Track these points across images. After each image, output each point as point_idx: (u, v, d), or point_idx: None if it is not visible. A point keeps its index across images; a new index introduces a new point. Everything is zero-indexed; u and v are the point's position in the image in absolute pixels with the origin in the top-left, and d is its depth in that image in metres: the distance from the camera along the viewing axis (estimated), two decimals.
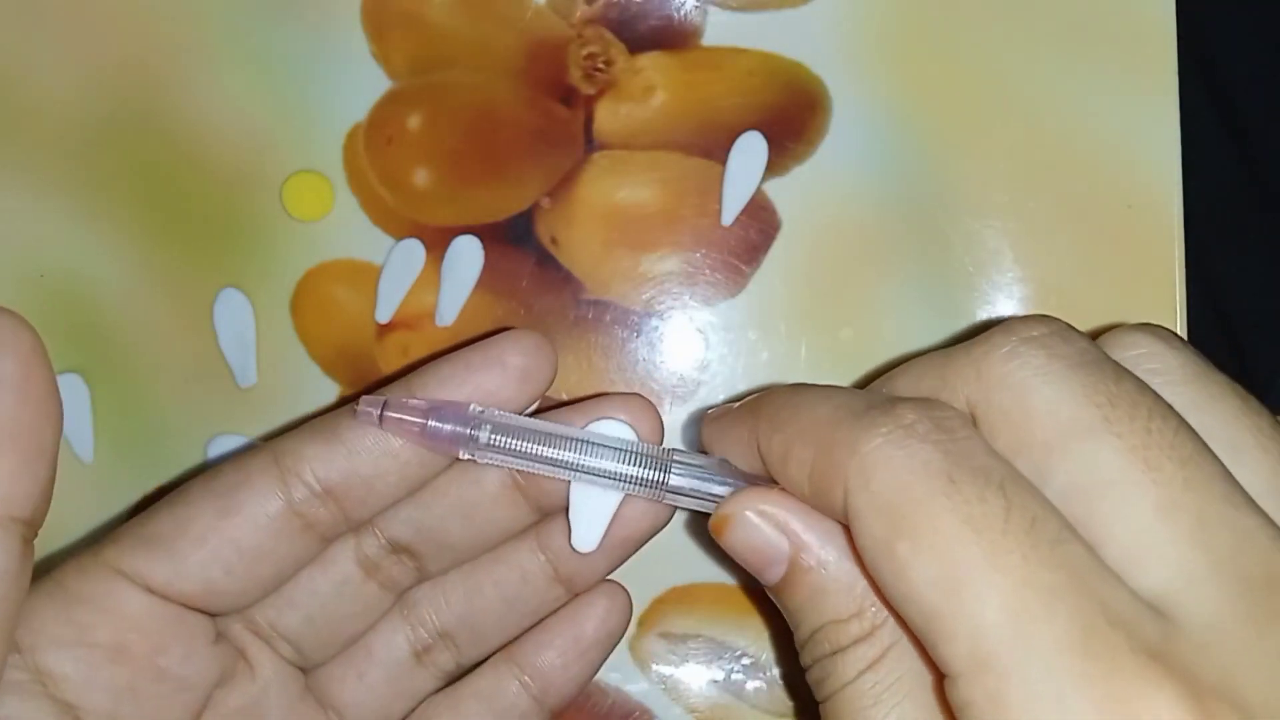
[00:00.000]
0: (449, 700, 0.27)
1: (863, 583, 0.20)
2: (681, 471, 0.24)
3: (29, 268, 0.30)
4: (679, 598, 0.30)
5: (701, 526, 0.30)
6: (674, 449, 0.24)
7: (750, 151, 0.30)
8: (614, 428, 0.25)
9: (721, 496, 0.23)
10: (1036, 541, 0.16)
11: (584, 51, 0.30)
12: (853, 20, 0.30)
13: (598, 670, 0.27)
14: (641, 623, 0.30)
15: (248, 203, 0.30)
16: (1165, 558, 0.16)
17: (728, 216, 0.30)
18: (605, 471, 0.24)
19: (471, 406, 0.24)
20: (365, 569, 0.25)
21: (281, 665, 0.25)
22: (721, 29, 0.30)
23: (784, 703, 0.30)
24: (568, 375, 0.30)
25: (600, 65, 0.30)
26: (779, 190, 0.30)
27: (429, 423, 0.23)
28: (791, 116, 0.30)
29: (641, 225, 0.30)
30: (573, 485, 0.25)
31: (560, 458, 0.24)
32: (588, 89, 0.30)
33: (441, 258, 0.30)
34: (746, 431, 0.22)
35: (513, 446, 0.23)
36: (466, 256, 0.30)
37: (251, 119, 0.30)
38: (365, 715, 0.26)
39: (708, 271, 0.30)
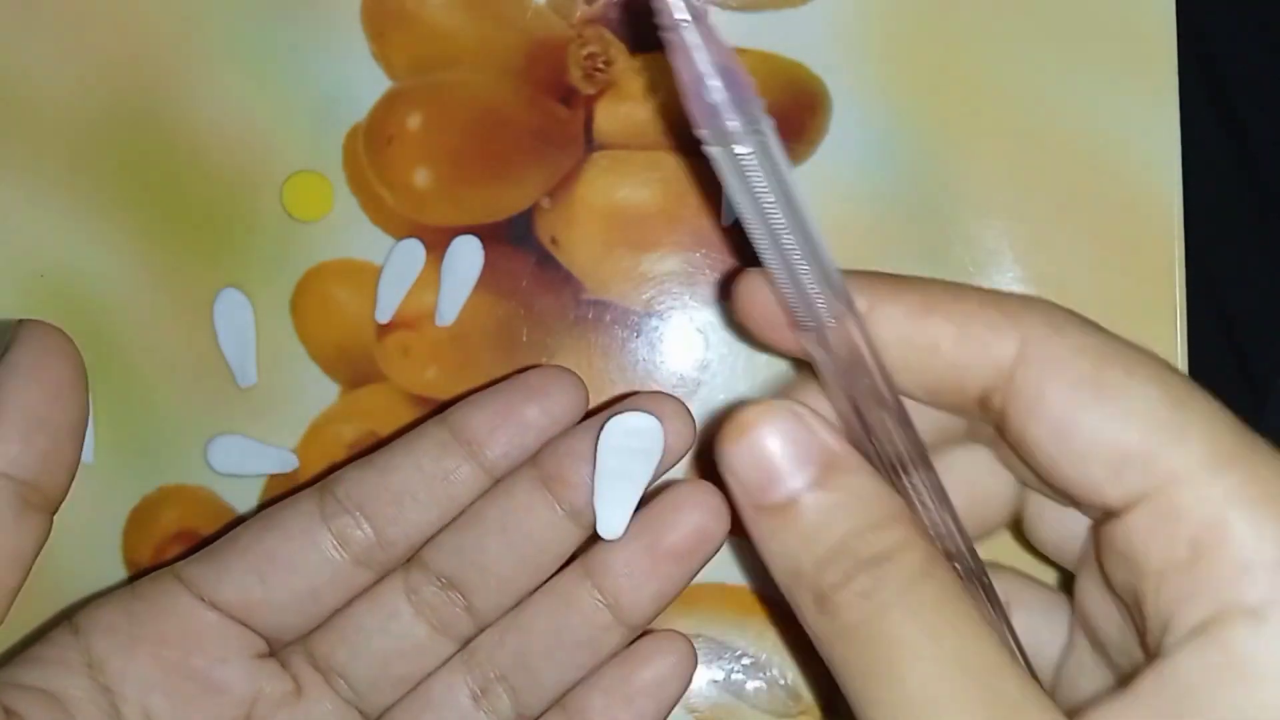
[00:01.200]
0: None
1: (897, 497, 0.20)
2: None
3: (29, 268, 0.30)
4: (679, 598, 0.30)
5: None
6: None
7: None
8: (640, 420, 0.25)
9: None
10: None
11: (584, 51, 0.30)
12: (853, 20, 0.30)
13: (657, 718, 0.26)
14: None
15: (248, 203, 0.30)
16: (1213, 499, 0.17)
17: (727, 217, 0.30)
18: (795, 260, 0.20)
19: (759, 102, 0.20)
20: (415, 606, 0.26)
21: (338, 703, 0.26)
22: (721, 29, 0.30)
23: (784, 703, 0.30)
24: None
25: (600, 65, 0.30)
26: None
27: (715, 87, 0.20)
28: (791, 116, 0.30)
29: (641, 225, 0.30)
30: (598, 474, 0.25)
31: (778, 226, 0.20)
32: (588, 89, 0.30)
33: (441, 258, 0.30)
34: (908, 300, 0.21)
35: (760, 180, 0.20)
36: (466, 256, 0.30)
37: (251, 119, 0.30)
38: None
39: (708, 271, 0.30)
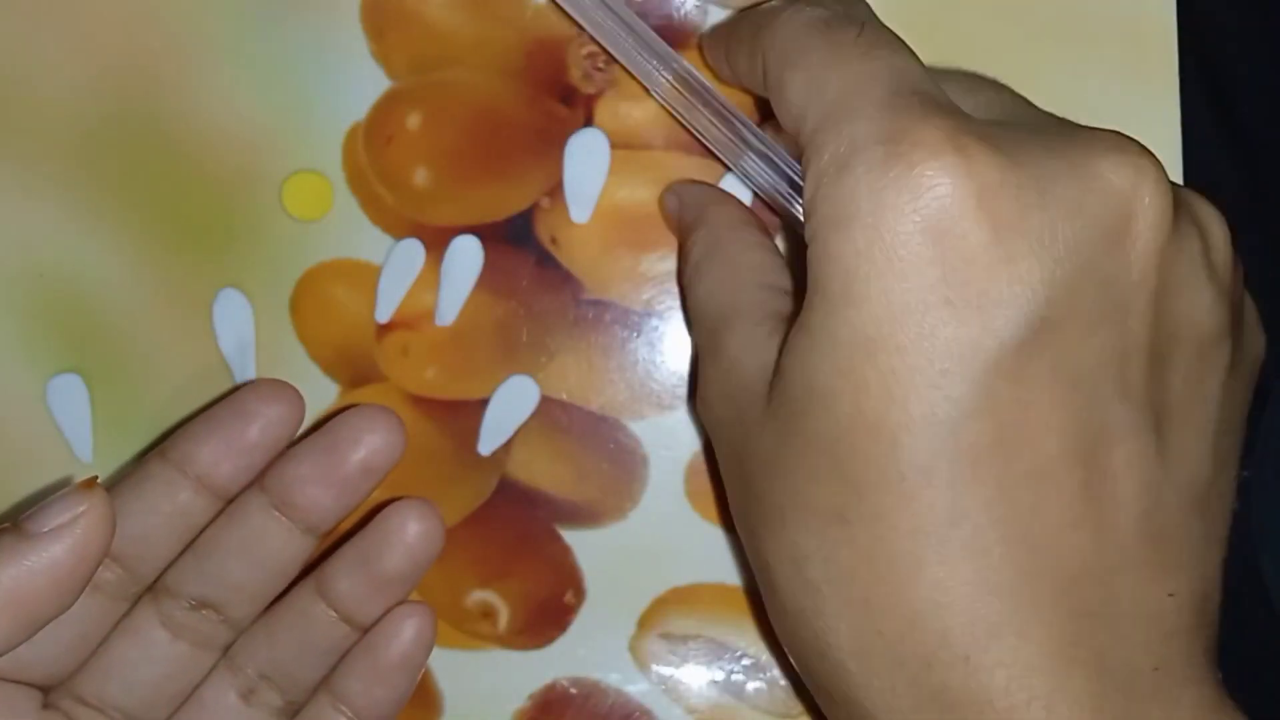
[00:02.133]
0: None
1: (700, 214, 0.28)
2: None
3: (28, 267, 0.30)
4: (679, 598, 0.30)
5: (702, 528, 0.30)
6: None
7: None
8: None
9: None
10: (873, 51, 0.22)
11: (584, 51, 0.30)
12: None
13: (408, 690, 0.28)
14: (642, 623, 0.30)
15: (247, 203, 0.30)
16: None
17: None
18: (622, 36, 0.26)
19: None
20: (171, 630, 0.27)
21: None
22: None
23: (784, 703, 0.30)
24: (567, 375, 0.30)
25: (600, 64, 0.30)
26: None
27: None
28: None
29: (641, 225, 0.30)
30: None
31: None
32: (588, 88, 0.30)
33: (441, 257, 0.30)
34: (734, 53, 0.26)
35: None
36: (466, 256, 0.30)
37: (251, 119, 0.30)
38: None
39: None
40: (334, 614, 0.27)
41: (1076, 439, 0.20)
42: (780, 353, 0.23)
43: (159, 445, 0.27)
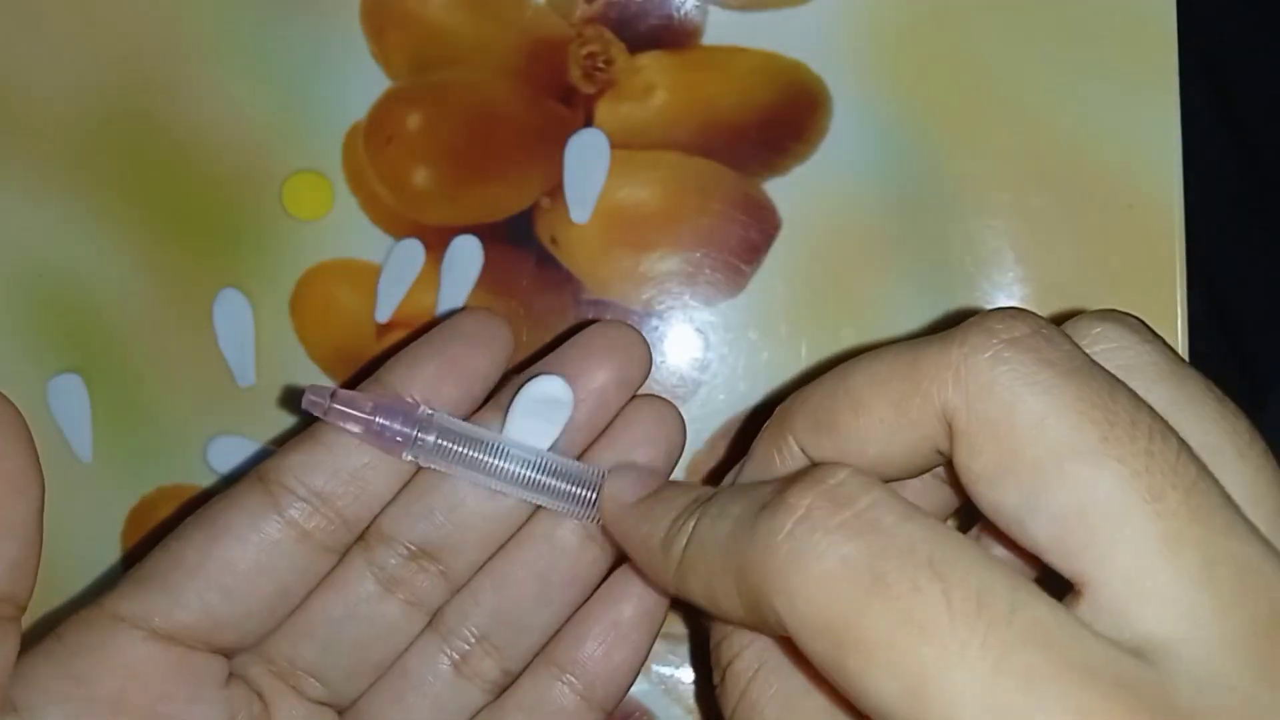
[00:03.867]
0: (494, 716, 0.25)
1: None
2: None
3: (28, 267, 0.30)
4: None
5: None
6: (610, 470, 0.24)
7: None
8: (549, 386, 0.24)
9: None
10: (992, 621, 0.15)
11: (584, 51, 0.30)
12: (853, 20, 0.30)
13: (645, 655, 0.25)
14: None
15: (248, 203, 0.30)
16: (1166, 596, 0.15)
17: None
18: (546, 488, 0.23)
19: (421, 409, 0.23)
20: (384, 584, 0.24)
21: (310, 707, 0.24)
22: (721, 29, 0.30)
23: None
24: None
25: (600, 64, 0.30)
26: (779, 190, 0.30)
27: (376, 420, 0.23)
28: (791, 116, 0.30)
29: (641, 225, 0.30)
30: (505, 429, 0.24)
31: (505, 471, 0.23)
32: (588, 88, 0.30)
33: (441, 257, 0.30)
34: (661, 578, 0.21)
35: (459, 454, 0.23)
36: (466, 256, 0.30)
37: (251, 119, 0.30)
38: None
39: (708, 271, 0.30)
40: (582, 530, 0.24)
41: None
42: None
43: (373, 376, 0.24)
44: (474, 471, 0.23)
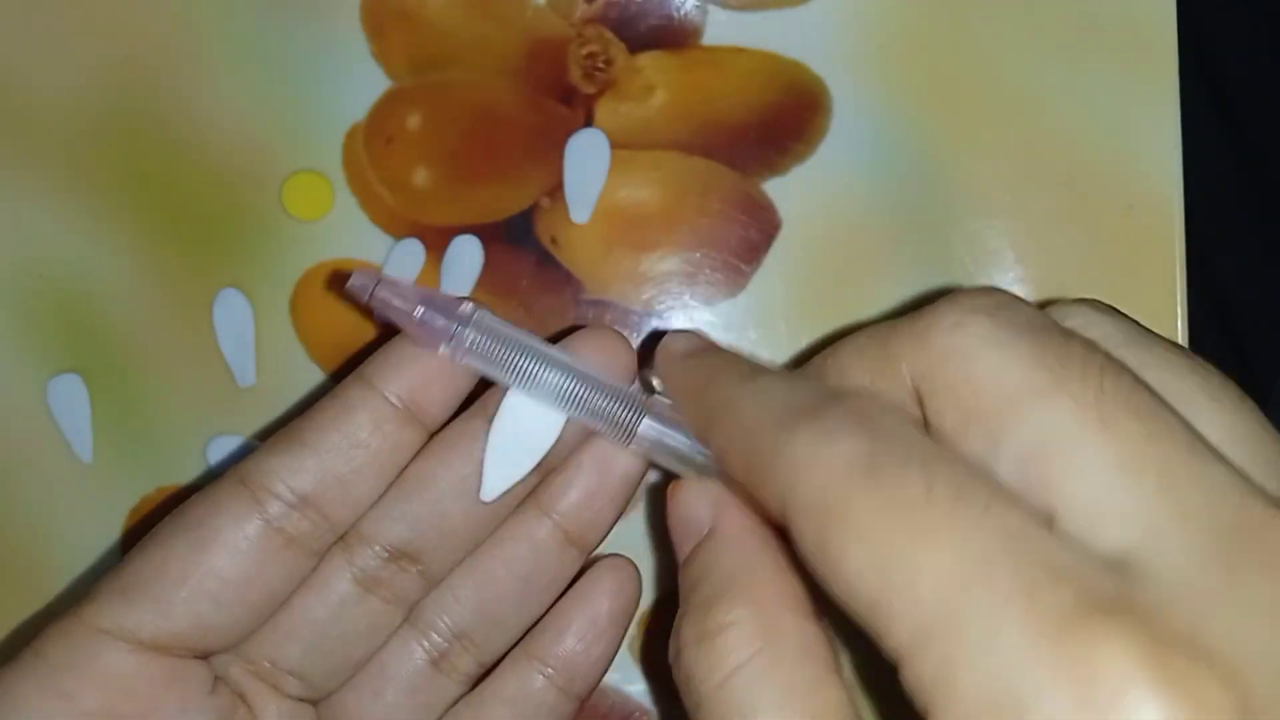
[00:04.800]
0: (472, 706, 0.25)
1: (757, 580, 0.20)
2: (655, 422, 0.23)
3: (28, 267, 0.30)
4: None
5: None
6: (657, 397, 0.24)
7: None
8: (533, 419, 0.24)
9: (683, 455, 0.23)
10: (964, 512, 0.16)
11: (584, 51, 0.30)
12: (853, 20, 0.30)
13: (618, 648, 0.26)
14: (642, 624, 0.30)
15: (248, 203, 0.30)
16: (1128, 513, 0.16)
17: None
18: (579, 399, 0.23)
19: (465, 305, 0.23)
20: (363, 585, 0.24)
21: (289, 704, 0.24)
22: (721, 29, 0.30)
23: None
24: None
25: (600, 65, 0.30)
26: (779, 190, 0.30)
27: (420, 310, 0.22)
28: (791, 116, 0.30)
29: (641, 225, 0.30)
30: (492, 432, 0.24)
31: (540, 377, 0.23)
32: (588, 88, 0.30)
33: (441, 258, 0.30)
34: (691, 421, 0.22)
35: (496, 355, 0.23)
36: (466, 256, 0.30)
37: (251, 119, 0.30)
38: None
39: (708, 271, 0.30)
40: (562, 533, 0.25)
41: None
42: None
43: (355, 372, 0.24)
44: (508, 374, 0.23)
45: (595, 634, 0.25)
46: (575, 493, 0.25)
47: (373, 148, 0.30)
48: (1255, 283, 0.34)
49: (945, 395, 0.18)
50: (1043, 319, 0.18)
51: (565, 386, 0.23)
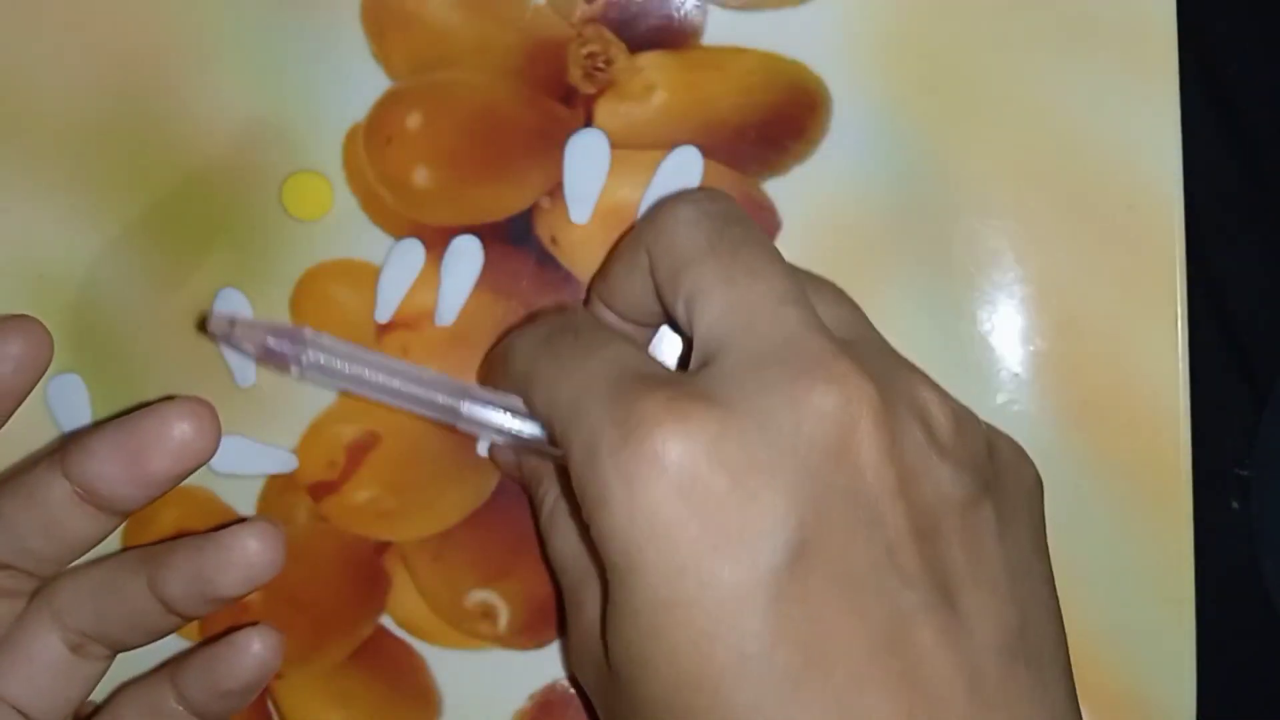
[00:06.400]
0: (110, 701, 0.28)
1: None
2: (478, 403, 0.26)
3: (28, 268, 0.30)
4: None
5: None
6: (474, 386, 0.27)
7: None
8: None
9: (508, 430, 0.26)
10: (591, 352, 0.24)
11: (584, 51, 0.30)
12: (853, 20, 0.30)
13: (245, 703, 0.28)
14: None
15: (247, 202, 0.30)
16: (719, 335, 0.23)
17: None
18: (407, 395, 0.26)
19: (304, 330, 0.26)
20: None
21: None
22: (721, 29, 0.30)
23: None
24: None
25: (600, 65, 0.30)
26: (779, 190, 0.30)
27: (268, 339, 0.26)
28: (791, 116, 0.30)
29: None
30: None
31: (372, 381, 0.26)
32: (588, 88, 0.30)
33: (441, 257, 0.30)
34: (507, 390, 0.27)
35: (335, 368, 0.26)
36: (466, 256, 0.30)
37: (251, 119, 0.30)
38: (44, 707, 0.27)
39: None
40: (181, 708, 0.28)
41: (879, 635, 0.21)
42: (603, 628, 0.23)
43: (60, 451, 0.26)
44: (353, 384, 0.26)
45: (217, 695, 0.27)
46: (199, 685, 0.28)
47: (373, 148, 0.30)
48: (1255, 283, 0.34)
49: (659, 258, 0.25)
50: (725, 209, 0.25)
51: (393, 386, 0.26)
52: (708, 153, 0.30)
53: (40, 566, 0.26)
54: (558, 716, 0.30)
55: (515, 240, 0.30)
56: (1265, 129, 0.31)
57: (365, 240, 0.30)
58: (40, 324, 0.25)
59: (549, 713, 0.30)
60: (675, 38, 0.30)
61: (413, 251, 0.30)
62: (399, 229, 0.30)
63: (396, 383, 0.26)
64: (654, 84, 0.30)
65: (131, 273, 0.30)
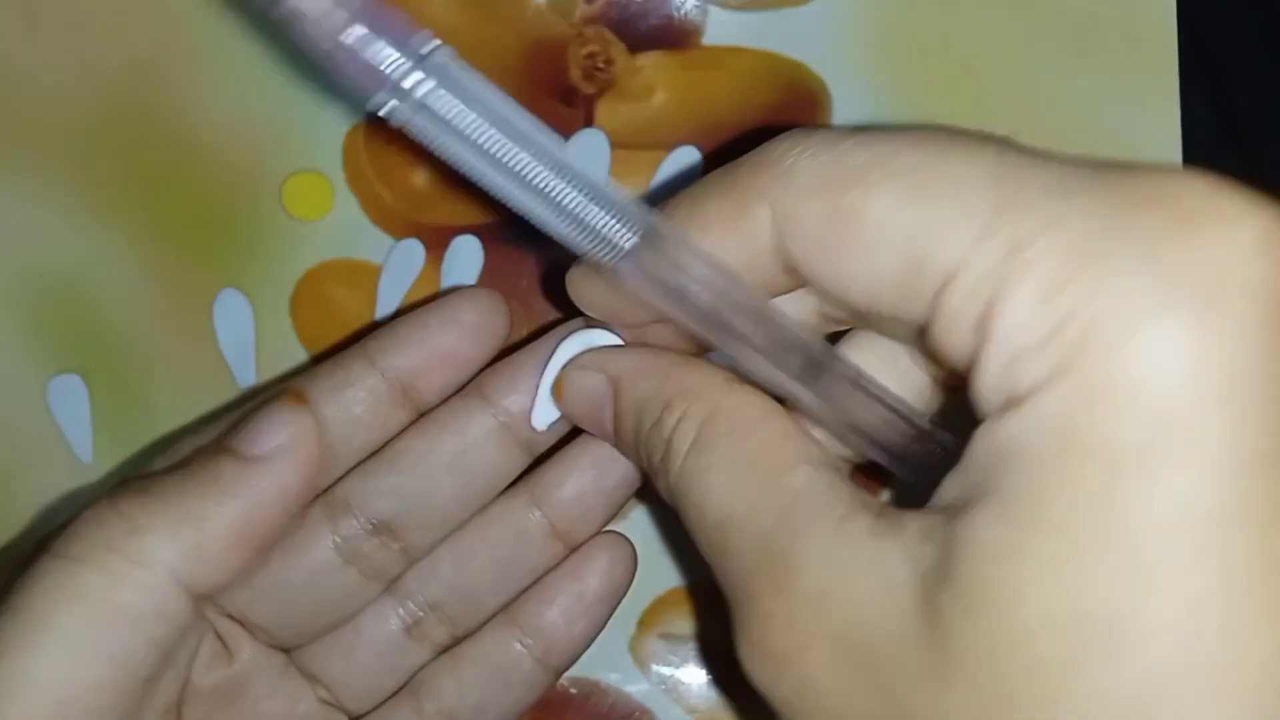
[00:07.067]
0: (449, 665, 0.26)
1: (669, 383, 0.21)
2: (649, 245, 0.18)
3: (29, 268, 0.30)
4: (679, 598, 0.30)
5: None
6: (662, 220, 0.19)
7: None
8: (602, 335, 0.23)
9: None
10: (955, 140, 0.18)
11: (584, 51, 0.30)
12: (853, 20, 0.30)
13: (603, 627, 0.26)
14: (642, 623, 0.30)
15: (248, 202, 0.30)
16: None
17: None
18: (562, 204, 0.17)
19: (423, 35, 0.16)
20: (344, 555, 0.24)
21: (260, 648, 0.25)
22: (721, 29, 0.30)
23: None
24: None
25: (600, 65, 0.30)
26: None
27: (355, 30, 0.15)
28: (791, 116, 0.30)
29: None
30: (547, 372, 0.24)
31: (505, 159, 0.17)
32: (588, 88, 0.30)
33: (441, 257, 0.30)
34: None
35: (452, 119, 0.17)
36: (466, 256, 0.30)
37: (251, 119, 0.30)
38: (356, 688, 0.26)
39: None
40: (549, 526, 0.25)
41: None
42: (953, 557, 0.16)
43: (359, 344, 0.24)
44: (462, 147, 0.17)
45: (580, 610, 0.26)
46: (569, 489, 0.25)
47: (373, 148, 0.30)
48: None
49: (810, 225, 0.18)
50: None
51: (543, 184, 0.17)
52: (708, 153, 0.30)
53: (425, 528, 0.25)
54: (557, 716, 0.30)
55: (515, 240, 0.30)
56: (1265, 129, 0.31)
57: (365, 240, 0.30)
58: (493, 293, 0.24)
59: (548, 712, 0.30)
60: (675, 38, 0.30)
61: (413, 251, 0.30)
62: (399, 229, 0.30)
63: (543, 174, 0.16)
64: (654, 84, 0.30)
65: (131, 273, 0.30)
